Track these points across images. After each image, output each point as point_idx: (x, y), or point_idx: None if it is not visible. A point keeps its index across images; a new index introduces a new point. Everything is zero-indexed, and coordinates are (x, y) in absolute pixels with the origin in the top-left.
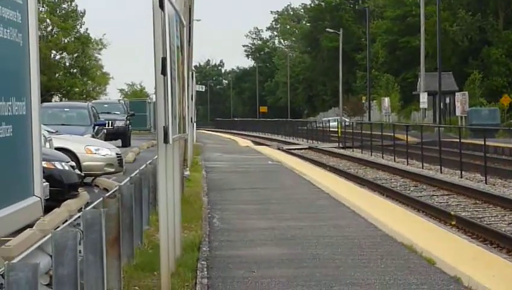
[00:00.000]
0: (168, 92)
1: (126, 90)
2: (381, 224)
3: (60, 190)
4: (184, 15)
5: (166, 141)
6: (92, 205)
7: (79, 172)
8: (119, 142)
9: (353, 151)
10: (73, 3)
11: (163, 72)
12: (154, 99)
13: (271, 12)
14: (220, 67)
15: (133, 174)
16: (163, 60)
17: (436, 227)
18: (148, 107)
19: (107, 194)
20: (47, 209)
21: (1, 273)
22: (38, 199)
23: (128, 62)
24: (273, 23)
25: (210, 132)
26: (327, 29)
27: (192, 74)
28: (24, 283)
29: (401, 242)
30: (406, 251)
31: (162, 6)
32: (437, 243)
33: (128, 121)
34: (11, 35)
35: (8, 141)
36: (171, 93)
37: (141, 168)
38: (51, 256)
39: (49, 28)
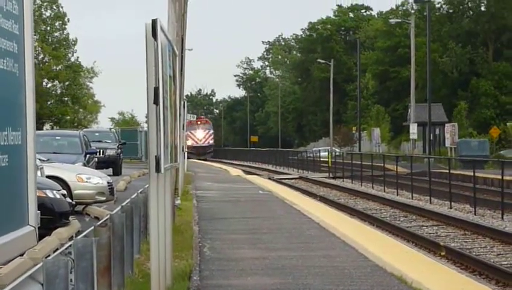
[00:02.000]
0: (161, 121)
1: (117, 119)
2: (371, 254)
3: (51, 218)
4: (176, 44)
5: (158, 170)
6: (83, 234)
7: (70, 200)
8: (110, 170)
9: (343, 181)
10: (65, 32)
11: (156, 102)
12: (145, 128)
13: (262, 42)
14: (211, 97)
15: (124, 203)
16: (156, 89)
17: (426, 258)
18: (139, 135)
19: (99, 223)
20: (38, 237)
21: None
22: (33, 228)
23: (119, 91)
24: (265, 53)
25: (201, 161)
26: (318, 60)
27: (184, 103)
28: None
29: (391, 273)
30: (396, 281)
31: (155, 35)
32: (427, 274)
33: (119, 150)
34: (7, 66)
35: (4, 170)
36: (163, 123)
37: (132, 197)
38: (42, 285)
39: (41, 56)
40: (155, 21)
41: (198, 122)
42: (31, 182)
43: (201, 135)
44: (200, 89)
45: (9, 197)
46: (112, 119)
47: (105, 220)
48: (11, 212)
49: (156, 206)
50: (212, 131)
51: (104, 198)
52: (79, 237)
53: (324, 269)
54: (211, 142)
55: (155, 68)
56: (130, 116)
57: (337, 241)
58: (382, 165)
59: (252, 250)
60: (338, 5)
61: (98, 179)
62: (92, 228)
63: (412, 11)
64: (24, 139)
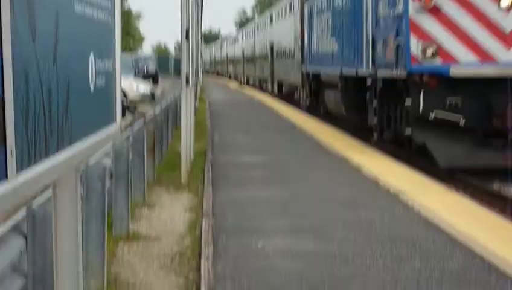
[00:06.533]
0: (190, 51)
1: (154, 47)
2: (323, 141)
3: None
4: None
5: (187, 83)
6: (138, 126)
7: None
8: (151, 80)
9: None
10: None
11: (187, 37)
12: (174, 56)
13: None
14: (218, 34)
15: (162, 105)
16: (187, 30)
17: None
18: (170, 60)
19: (147, 118)
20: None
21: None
22: (118, 124)
23: (157, 28)
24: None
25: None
26: None
27: (202, 39)
28: (96, 177)
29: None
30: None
31: None
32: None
33: (157, 68)
34: (107, 19)
35: (103, 87)
36: (191, 52)
37: (168, 101)
38: (111, 160)
39: None
40: None
41: None
42: (117, 94)
43: None
44: (210, 30)
45: (107, 104)
46: (152, 47)
47: (151, 117)
48: (109, 112)
49: (185, 107)
50: None
51: (147, 100)
52: (135, 128)
53: (288, 149)
54: None
55: (186, 15)
56: (163, 47)
57: (298, 131)
58: None
59: (244, 137)
60: None
61: (144, 87)
62: (143, 122)
63: None
64: (114, 66)
